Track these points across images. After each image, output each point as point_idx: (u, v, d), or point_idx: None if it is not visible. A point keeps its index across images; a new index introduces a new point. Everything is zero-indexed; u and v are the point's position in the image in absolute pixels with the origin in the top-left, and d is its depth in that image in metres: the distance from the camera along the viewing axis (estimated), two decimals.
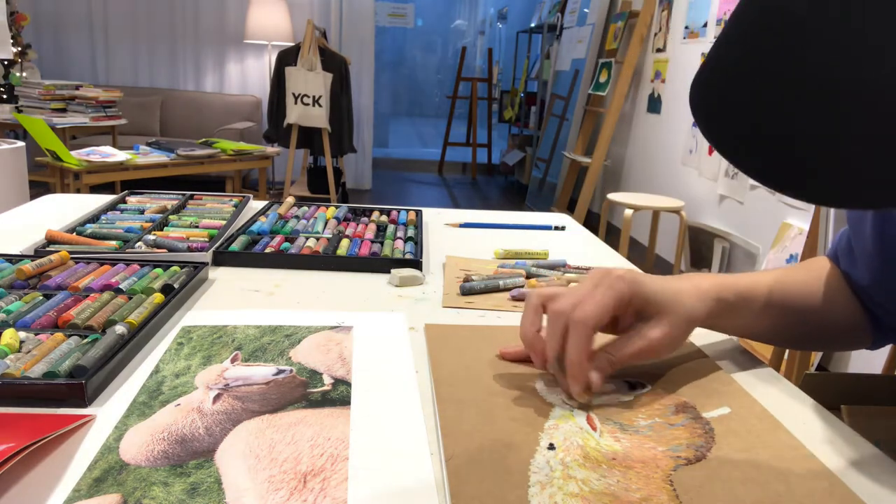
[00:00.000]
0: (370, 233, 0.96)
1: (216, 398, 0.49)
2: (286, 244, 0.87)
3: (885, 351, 1.11)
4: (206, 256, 0.81)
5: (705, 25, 3.40)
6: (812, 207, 2.08)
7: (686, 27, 3.64)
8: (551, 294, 0.54)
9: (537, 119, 5.74)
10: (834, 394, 0.68)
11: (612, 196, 3.22)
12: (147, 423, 0.45)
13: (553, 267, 0.85)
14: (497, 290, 0.77)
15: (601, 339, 0.53)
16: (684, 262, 3.31)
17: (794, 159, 0.31)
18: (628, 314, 0.54)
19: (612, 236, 4.15)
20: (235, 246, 0.84)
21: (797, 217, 2.55)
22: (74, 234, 0.86)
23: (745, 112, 0.32)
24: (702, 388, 0.54)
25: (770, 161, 0.32)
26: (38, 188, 3.36)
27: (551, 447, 0.44)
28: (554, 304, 0.53)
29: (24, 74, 4.05)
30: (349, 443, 0.44)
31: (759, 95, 0.31)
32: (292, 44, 4.20)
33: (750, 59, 0.32)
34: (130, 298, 0.64)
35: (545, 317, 0.54)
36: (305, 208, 1.09)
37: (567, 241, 1.05)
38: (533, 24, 6.22)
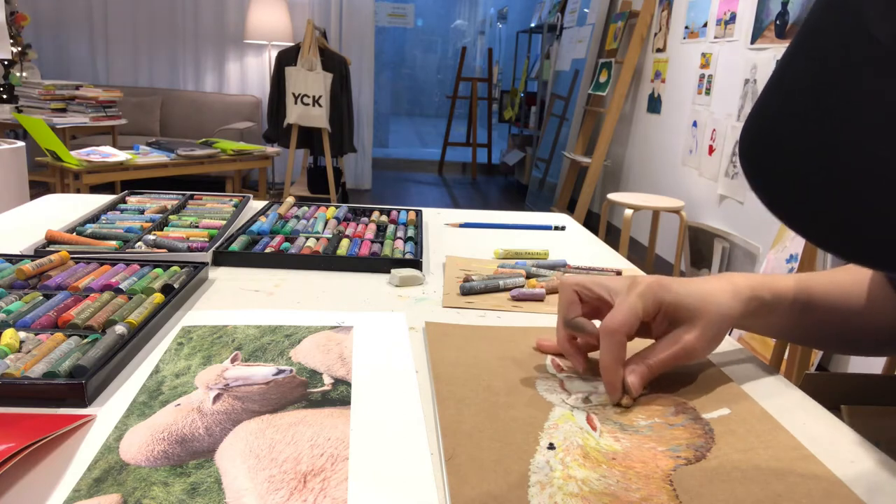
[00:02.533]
0: (370, 233, 0.96)
1: (216, 398, 0.49)
2: (286, 244, 0.87)
3: None
4: (206, 256, 0.81)
5: (705, 25, 3.40)
6: None
7: (686, 27, 3.64)
8: (583, 282, 0.57)
9: (537, 119, 5.74)
10: (834, 394, 0.68)
11: (612, 196, 3.22)
12: (147, 423, 0.45)
13: (553, 267, 0.85)
14: (497, 290, 0.77)
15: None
16: (684, 262, 3.31)
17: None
18: (660, 320, 0.55)
19: (612, 236, 4.15)
20: (235, 246, 0.84)
21: None
22: (74, 234, 0.86)
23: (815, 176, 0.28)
24: (702, 390, 0.54)
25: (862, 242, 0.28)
26: (38, 188, 3.36)
27: (551, 447, 0.44)
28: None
29: (24, 74, 4.05)
30: (349, 443, 0.44)
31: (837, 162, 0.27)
32: (292, 44, 4.21)
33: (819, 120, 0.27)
34: (130, 298, 0.64)
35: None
36: (305, 208, 1.09)
37: (567, 241, 1.05)
38: (533, 24, 6.22)
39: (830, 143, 0.27)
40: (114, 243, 0.84)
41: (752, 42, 2.93)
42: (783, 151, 0.29)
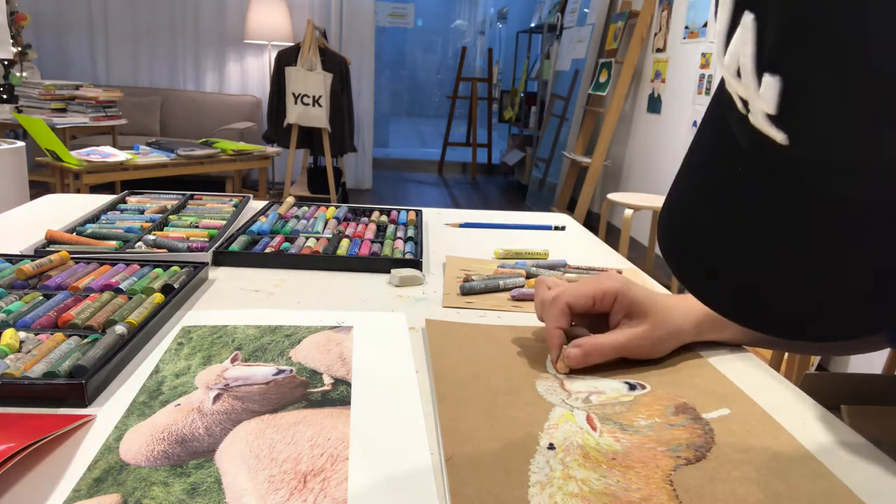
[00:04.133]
0: (370, 233, 0.96)
1: (216, 398, 0.49)
2: (286, 244, 0.87)
3: (885, 351, 1.11)
4: (206, 256, 0.81)
5: (705, 25, 3.40)
6: None
7: (686, 27, 3.63)
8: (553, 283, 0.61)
9: (537, 119, 5.74)
10: (834, 394, 0.68)
11: (612, 196, 3.22)
12: (147, 423, 0.45)
13: (553, 267, 0.85)
14: (497, 290, 0.77)
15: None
16: None
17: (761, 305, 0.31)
18: (616, 311, 0.58)
19: (612, 236, 4.15)
20: (235, 246, 0.84)
21: None
22: (74, 234, 0.86)
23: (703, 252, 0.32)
24: (701, 389, 0.54)
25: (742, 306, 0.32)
26: (38, 188, 3.36)
27: (551, 447, 0.44)
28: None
29: (24, 74, 4.05)
30: (349, 443, 0.44)
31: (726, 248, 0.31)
32: (292, 44, 4.20)
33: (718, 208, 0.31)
34: (130, 298, 0.64)
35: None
36: (305, 208, 1.09)
37: (567, 241, 1.05)
38: (533, 24, 6.22)
39: (713, 228, 0.32)
40: (114, 243, 0.84)
41: None
42: (681, 235, 0.34)
